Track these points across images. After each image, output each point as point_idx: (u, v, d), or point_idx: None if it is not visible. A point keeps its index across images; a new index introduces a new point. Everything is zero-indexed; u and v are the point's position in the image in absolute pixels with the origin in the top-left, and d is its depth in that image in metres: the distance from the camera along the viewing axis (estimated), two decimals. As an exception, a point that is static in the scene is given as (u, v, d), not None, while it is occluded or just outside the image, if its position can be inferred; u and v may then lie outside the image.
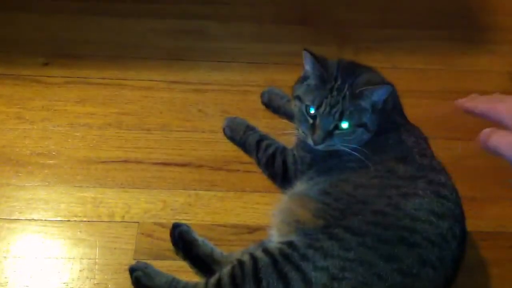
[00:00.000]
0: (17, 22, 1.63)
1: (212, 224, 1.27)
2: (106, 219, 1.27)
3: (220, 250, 1.19)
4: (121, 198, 1.30)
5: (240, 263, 1.06)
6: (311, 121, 1.13)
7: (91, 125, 1.42)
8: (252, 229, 1.27)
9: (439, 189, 1.08)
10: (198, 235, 1.22)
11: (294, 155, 1.26)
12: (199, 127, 1.44)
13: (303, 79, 1.18)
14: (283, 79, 1.47)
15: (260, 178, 1.33)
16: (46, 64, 1.54)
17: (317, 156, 1.20)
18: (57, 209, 1.28)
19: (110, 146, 1.39)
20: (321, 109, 1.11)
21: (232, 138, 1.40)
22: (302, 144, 1.23)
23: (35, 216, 1.27)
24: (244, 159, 1.37)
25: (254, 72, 1.57)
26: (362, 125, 1.13)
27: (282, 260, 1.03)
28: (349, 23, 1.71)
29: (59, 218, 1.27)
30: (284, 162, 1.27)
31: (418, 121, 1.23)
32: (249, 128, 1.39)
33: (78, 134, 1.41)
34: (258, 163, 1.34)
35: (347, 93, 1.11)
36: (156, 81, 1.53)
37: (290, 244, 1.05)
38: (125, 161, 1.37)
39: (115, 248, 1.22)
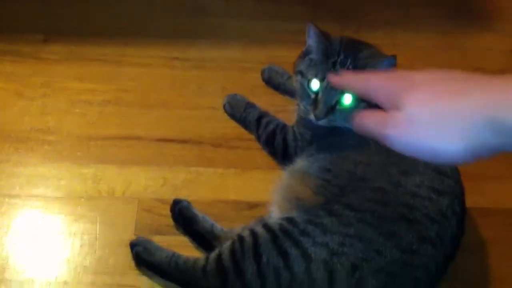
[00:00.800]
0: (16, -2, 1.63)
1: (213, 201, 1.28)
2: (106, 195, 1.27)
3: (220, 226, 1.19)
4: (121, 175, 1.30)
5: (240, 238, 1.06)
6: (313, 96, 1.13)
7: (91, 102, 1.42)
8: (252, 205, 1.27)
9: (439, 166, 1.09)
10: (199, 211, 1.22)
11: (294, 132, 1.26)
12: (199, 104, 1.43)
13: (305, 54, 1.18)
14: (284, 56, 1.46)
15: (260, 155, 1.34)
16: (45, 41, 1.53)
17: (318, 133, 1.20)
18: (57, 185, 1.28)
19: (110, 123, 1.39)
20: (324, 83, 1.11)
21: (232, 115, 1.40)
22: (302, 120, 1.23)
23: (35, 192, 1.27)
24: (244, 136, 1.37)
25: (254, 49, 1.56)
26: (365, 100, 1.12)
27: (282, 236, 1.03)
28: (350, 1, 1.70)
29: (59, 194, 1.27)
30: (284, 139, 1.27)
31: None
32: (249, 105, 1.38)
33: (78, 110, 1.40)
34: (258, 140, 1.34)
35: (350, 67, 1.11)
36: (156, 57, 1.52)
37: (290, 220, 1.06)
38: (125, 138, 1.36)
39: (115, 224, 1.23)
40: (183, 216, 1.21)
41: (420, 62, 1.54)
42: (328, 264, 0.99)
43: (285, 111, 1.36)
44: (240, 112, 1.38)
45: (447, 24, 1.68)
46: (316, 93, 1.12)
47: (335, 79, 0.72)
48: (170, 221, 1.22)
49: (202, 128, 1.39)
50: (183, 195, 1.27)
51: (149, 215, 1.24)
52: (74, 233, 1.21)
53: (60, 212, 1.25)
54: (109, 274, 1.17)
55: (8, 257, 1.18)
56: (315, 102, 1.12)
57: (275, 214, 1.14)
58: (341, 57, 1.12)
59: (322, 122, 1.13)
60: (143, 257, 1.14)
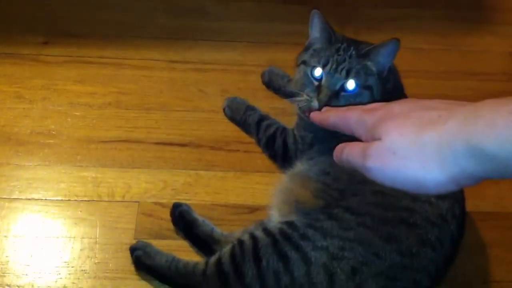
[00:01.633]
0: (17, 1, 1.62)
1: (212, 204, 1.28)
2: (106, 199, 1.27)
3: (220, 230, 1.20)
4: (121, 178, 1.30)
5: (240, 242, 1.06)
6: (316, 83, 1.13)
7: (91, 105, 1.42)
8: (252, 209, 1.27)
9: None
10: (199, 215, 1.22)
11: (294, 135, 1.26)
12: (199, 107, 1.43)
13: (307, 47, 1.18)
14: (284, 59, 1.46)
15: (260, 158, 1.34)
16: (45, 43, 1.53)
17: (318, 135, 1.20)
18: (57, 189, 1.28)
19: (110, 126, 1.39)
20: (328, 67, 1.11)
21: (232, 118, 1.40)
22: (303, 123, 1.23)
23: (35, 196, 1.27)
24: (244, 139, 1.37)
25: (254, 51, 1.56)
26: (368, 88, 1.12)
27: (282, 240, 1.03)
28: (350, 2, 1.70)
29: (59, 198, 1.27)
30: (285, 142, 1.27)
31: (419, 102, 1.22)
32: (249, 108, 1.38)
33: (77, 113, 1.40)
34: (258, 143, 1.34)
35: (353, 52, 1.12)
36: (156, 60, 1.52)
37: (290, 224, 1.06)
38: (125, 141, 1.36)
39: (115, 228, 1.23)
40: (183, 220, 1.21)
41: (420, 64, 1.55)
42: (328, 268, 0.99)
43: (285, 114, 1.37)
44: (240, 115, 1.38)
45: (446, 26, 1.68)
46: (320, 79, 1.12)
47: (315, 115, 0.72)
48: (170, 225, 1.22)
49: (202, 131, 1.39)
50: (183, 198, 1.27)
51: (149, 218, 1.24)
52: (74, 237, 1.21)
53: (60, 216, 1.24)
54: (109, 278, 1.16)
55: (8, 261, 1.17)
56: (318, 88, 1.12)
57: (275, 218, 1.14)
58: (344, 44, 1.13)
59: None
60: (143, 261, 1.14)
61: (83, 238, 1.21)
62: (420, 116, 0.56)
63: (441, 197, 1.04)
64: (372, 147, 0.58)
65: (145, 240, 1.18)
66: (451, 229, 1.04)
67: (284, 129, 1.30)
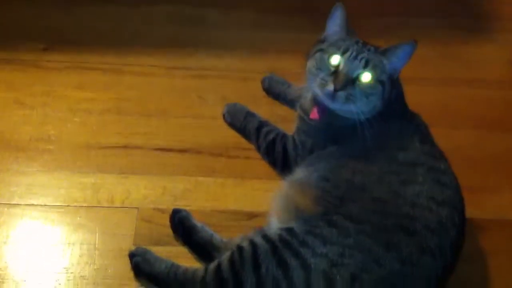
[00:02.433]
0: (17, 7, 1.62)
1: (212, 210, 1.28)
2: (106, 205, 1.27)
3: (219, 236, 1.19)
4: (121, 184, 1.30)
5: (240, 249, 1.06)
6: (332, 69, 1.13)
7: (91, 111, 1.42)
8: (251, 216, 1.27)
9: (439, 176, 1.09)
10: (198, 221, 1.22)
11: (294, 141, 1.26)
12: (199, 113, 1.44)
13: (322, 40, 1.19)
14: (283, 67, 1.48)
15: (260, 164, 1.34)
16: (45, 49, 1.53)
17: (318, 141, 1.20)
18: (57, 195, 1.28)
19: (110, 132, 1.39)
20: (348, 54, 1.12)
21: (232, 125, 1.40)
22: (303, 127, 1.24)
23: (35, 201, 1.27)
24: (244, 145, 1.37)
25: (254, 59, 1.57)
26: (382, 83, 1.13)
27: (281, 247, 1.03)
28: (349, 11, 1.70)
29: (59, 204, 1.27)
30: (284, 148, 1.27)
31: (418, 109, 1.23)
32: (249, 114, 1.38)
33: (77, 119, 1.40)
34: (258, 149, 1.34)
35: (372, 48, 1.14)
36: (156, 67, 1.52)
37: (289, 230, 1.05)
38: (125, 147, 1.36)
39: (114, 234, 1.23)
40: (182, 226, 1.21)
41: (420, 72, 1.54)
42: (327, 275, 0.98)
43: (286, 121, 1.37)
44: (240, 121, 1.38)
45: (446, 34, 1.69)
46: (337, 66, 1.12)
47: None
48: (169, 231, 1.22)
49: (201, 137, 1.39)
50: (182, 204, 1.27)
51: (149, 225, 1.24)
52: (73, 243, 1.21)
53: (59, 222, 1.24)
54: (108, 285, 1.16)
55: (7, 267, 1.17)
56: (335, 73, 1.12)
57: (274, 224, 1.14)
58: (362, 41, 1.15)
59: (340, 100, 1.12)
60: (142, 267, 1.14)
61: (82, 244, 1.21)
62: None
63: (440, 203, 1.04)
64: None
65: (144, 246, 1.18)
66: (451, 236, 1.04)
67: (284, 135, 1.30)
